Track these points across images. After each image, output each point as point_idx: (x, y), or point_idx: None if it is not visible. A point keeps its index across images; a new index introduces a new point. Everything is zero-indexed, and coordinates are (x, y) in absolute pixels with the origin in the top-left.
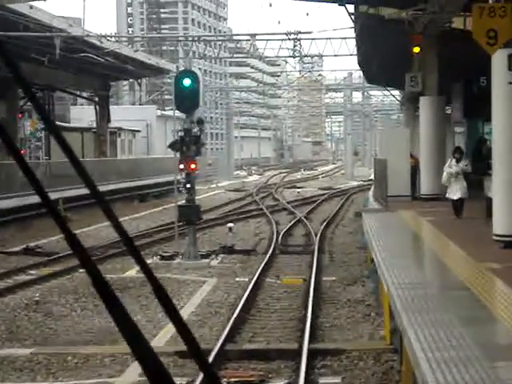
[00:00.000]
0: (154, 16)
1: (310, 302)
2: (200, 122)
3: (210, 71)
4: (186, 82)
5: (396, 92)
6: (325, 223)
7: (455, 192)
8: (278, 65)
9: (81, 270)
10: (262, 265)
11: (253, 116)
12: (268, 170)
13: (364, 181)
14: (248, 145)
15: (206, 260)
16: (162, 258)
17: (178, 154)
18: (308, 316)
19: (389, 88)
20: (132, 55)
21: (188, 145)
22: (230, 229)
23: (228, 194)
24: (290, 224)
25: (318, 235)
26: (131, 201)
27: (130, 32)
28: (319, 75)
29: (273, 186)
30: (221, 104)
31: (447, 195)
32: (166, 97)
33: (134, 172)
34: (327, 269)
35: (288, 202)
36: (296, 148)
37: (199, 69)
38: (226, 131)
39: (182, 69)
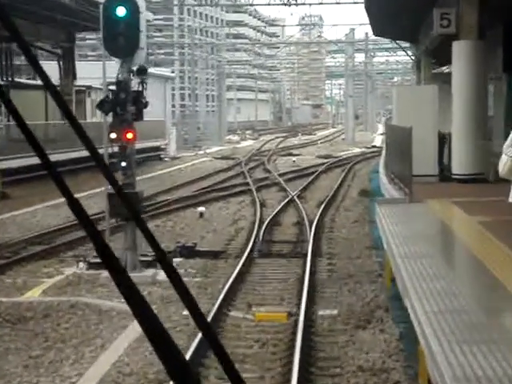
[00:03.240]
0: None
1: (294, 373)
2: (141, 71)
3: (206, 31)
4: (120, 11)
5: (401, 55)
6: (323, 205)
7: None
8: (277, 25)
9: None
10: (231, 280)
11: (250, 78)
12: (264, 134)
13: (367, 147)
14: (246, 107)
15: (152, 271)
16: (90, 265)
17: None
18: None
19: (399, 41)
20: None
21: (124, 104)
22: (201, 214)
23: (214, 162)
24: (279, 207)
25: (314, 225)
26: (98, 172)
27: None
28: (319, 36)
29: (266, 154)
30: (219, 61)
31: (510, 198)
32: (149, 51)
33: (104, 137)
34: (325, 290)
35: (280, 175)
36: (295, 111)
37: (195, 29)
38: (217, 93)
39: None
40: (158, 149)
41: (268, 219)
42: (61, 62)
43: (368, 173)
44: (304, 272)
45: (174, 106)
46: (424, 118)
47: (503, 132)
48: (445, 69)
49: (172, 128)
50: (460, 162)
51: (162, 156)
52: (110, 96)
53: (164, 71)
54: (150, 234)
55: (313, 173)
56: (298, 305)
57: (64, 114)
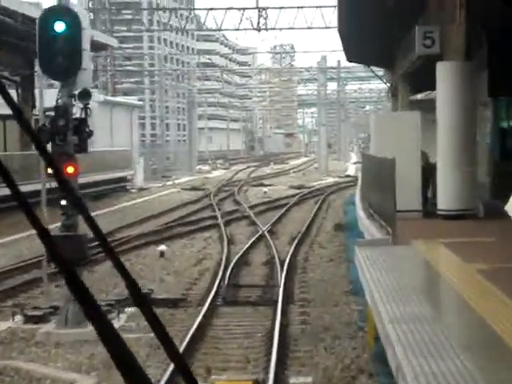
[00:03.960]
0: None
1: None
2: (84, 95)
3: (177, 59)
4: (59, 26)
5: (375, 82)
6: (295, 242)
7: None
8: (248, 53)
9: None
10: (189, 336)
11: (222, 106)
12: (235, 164)
13: (341, 177)
14: (217, 136)
15: None
16: (28, 318)
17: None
18: None
19: (374, 68)
20: (22, 10)
21: (63, 133)
22: (162, 253)
23: (182, 194)
24: (248, 244)
25: (285, 265)
26: (57, 205)
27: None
28: (291, 64)
29: (237, 184)
30: (189, 90)
31: None
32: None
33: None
34: (298, 348)
35: (251, 207)
36: (267, 140)
37: (164, 57)
38: (188, 121)
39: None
40: (123, 180)
41: (235, 258)
42: (19, 90)
43: (343, 204)
44: (274, 324)
45: (144, 135)
46: (406, 148)
47: (488, 162)
48: (422, 96)
49: (139, 158)
50: (446, 197)
51: (128, 187)
52: (47, 124)
53: (131, 99)
54: (123, 267)
55: (285, 204)
56: (266, 369)
57: (31, 139)
